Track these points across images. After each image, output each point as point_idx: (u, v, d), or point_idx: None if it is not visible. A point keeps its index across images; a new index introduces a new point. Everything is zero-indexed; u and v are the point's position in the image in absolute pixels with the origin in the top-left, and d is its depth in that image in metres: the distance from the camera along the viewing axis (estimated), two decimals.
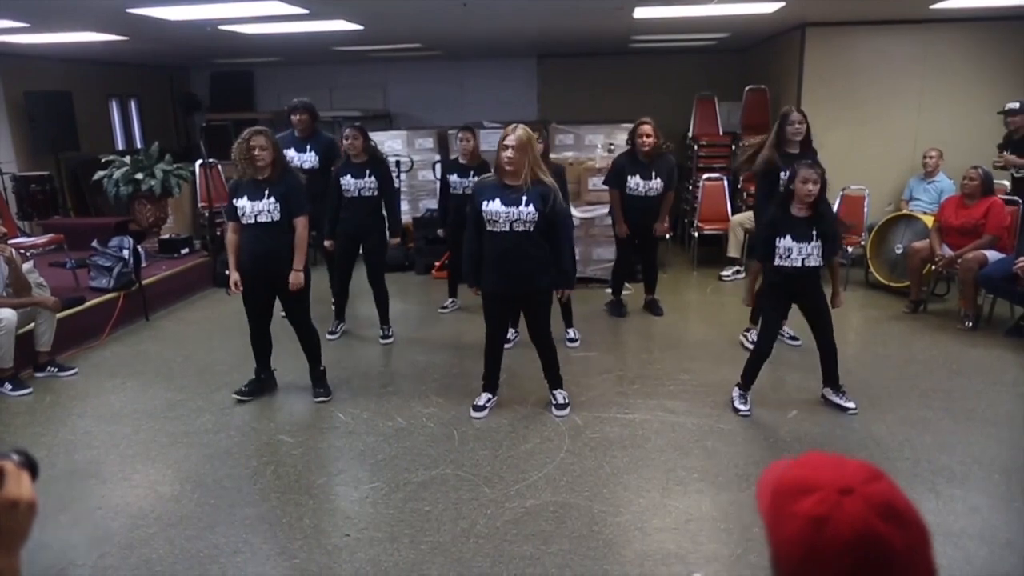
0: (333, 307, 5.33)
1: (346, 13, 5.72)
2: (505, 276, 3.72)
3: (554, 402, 3.98)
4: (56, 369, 4.65)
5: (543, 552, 2.77)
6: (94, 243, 5.79)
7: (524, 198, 3.57)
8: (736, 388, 3.99)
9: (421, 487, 3.25)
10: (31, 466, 0.84)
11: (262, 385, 4.27)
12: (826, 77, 7.07)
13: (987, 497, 3.11)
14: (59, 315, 4.68)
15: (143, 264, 5.88)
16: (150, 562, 2.76)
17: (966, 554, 2.72)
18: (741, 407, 3.91)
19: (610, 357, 4.84)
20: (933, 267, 5.44)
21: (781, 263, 3.75)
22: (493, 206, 3.60)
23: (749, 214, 6.91)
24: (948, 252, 5.28)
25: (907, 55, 6.93)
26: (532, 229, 3.61)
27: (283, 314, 4.24)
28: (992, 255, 5.11)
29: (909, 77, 6.93)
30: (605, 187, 6.48)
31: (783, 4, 5.62)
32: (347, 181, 4.90)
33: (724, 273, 6.78)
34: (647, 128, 5.21)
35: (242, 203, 3.92)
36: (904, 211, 6.29)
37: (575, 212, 5.08)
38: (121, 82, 9.92)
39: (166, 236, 7.07)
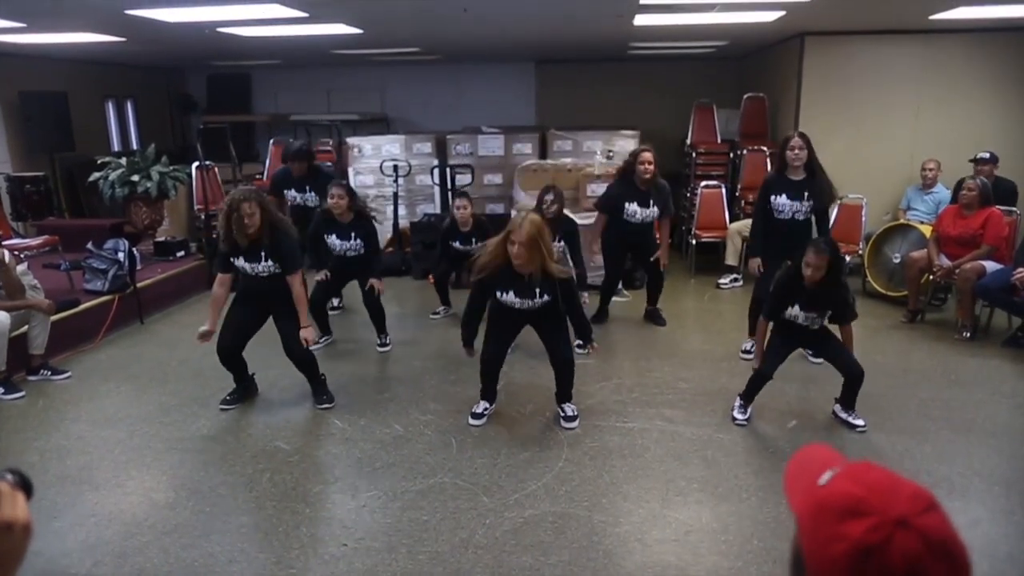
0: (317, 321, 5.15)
1: (346, 17, 5.70)
2: (514, 333, 3.97)
3: (563, 414, 3.93)
4: (49, 372, 4.60)
5: (542, 563, 2.74)
6: (89, 245, 5.75)
7: (537, 290, 3.61)
8: (738, 398, 3.98)
9: (419, 496, 3.22)
10: (25, 486, 0.82)
11: (245, 392, 4.25)
12: (825, 86, 7.09)
13: (987, 510, 3.10)
14: (53, 318, 4.65)
15: (138, 267, 5.84)
16: (144, 571, 2.72)
17: None
18: (738, 416, 3.90)
19: (608, 365, 4.82)
20: (931, 277, 5.44)
21: (789, 320, 3.81)
22: (508, 298, 3.65)
23: (747, 222, 6.92)
24: (946, 262, 5.28)
25: (905, 65, 6.96)
26: (547, 307, 3.70)
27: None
28: (990, 265, 5.12)
29: (907, 87, 6.95)
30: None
31: (783, 13, 5.63)
32: (333, 241, 4.92)
33: (722, 281, 6.77)
34: (649, 156, 5.18)
35: (240, 263, 3.95)
36: (902, 220, 6.30)
37: (573, 219, 5.12)
38: (117, 83, 9.88)
39: (162, 239, 7.03)
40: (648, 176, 5.17)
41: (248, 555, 2.82)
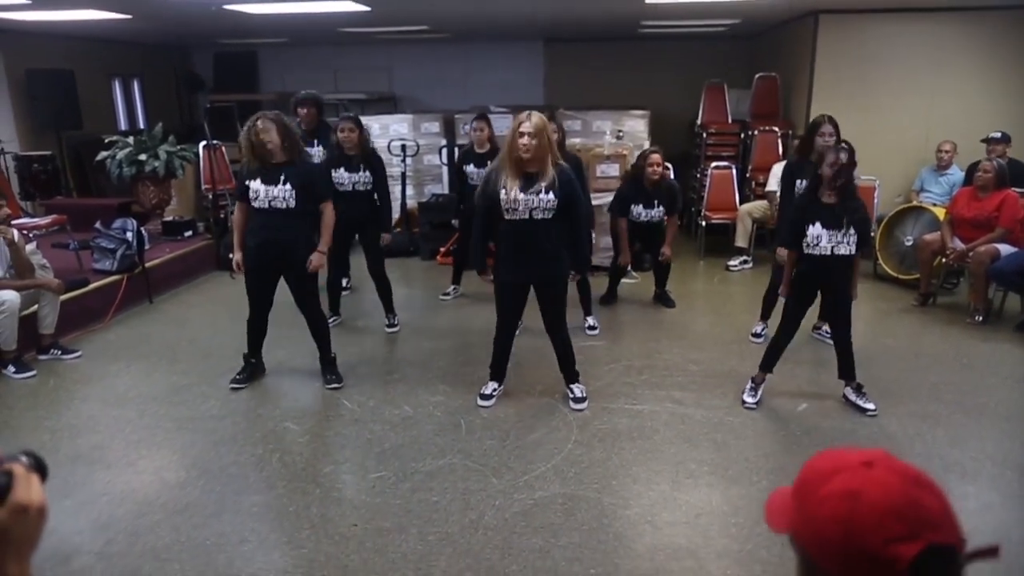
0: (328, 299, 5.07)
1: None
2: (523, 265, 3.66)
3: (571, 395, 3.90)
4: (59, 352, 4.61)
5: (553, 545, 2.75)
6: (97, 224, 5.75)
7: (543, 185, 3.51)
8: (750, 380, 3.96)
9: (428, 477, 3.23)
10: (40, 468, 0.81)
11: (254, 370, 4.23)
12: (838, 65, 6.98)
13: (1000, 494, 3.08)
14: (62, 297, 4.65)
15: (146, 246, 5.84)
16: (156, 550, 2.73)
17: None
18: (748, 399, 3.89)
19: (617, 346, 4.80)
20: (944, 260, 5.38)
21: (810, 251, 3.68)
22: (513, 194, 3.52)
23: (758, 203, 6.87)
24: (959, 245, 5.22)
25: (920, 44, 6.84)
26: (551, 216, 3.56)
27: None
28: (1004, 249, 5.06)
29: (922, 66, 6.84)
30: (614, 175, 6.42)
31: None
32: (341, 175, 4.76)
33: (731, 263, 6.73)
34: (656, 158, 5.23)
35: (256, 185, 3.80)
36: (914, 203, 6.23)
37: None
38: (124, 61, 9.82)
39: (169, 218, 7.02)
40: (655, 177, 5.24)
41: (259, 534, 2.83)
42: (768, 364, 3.93)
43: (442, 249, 6.98)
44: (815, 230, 3.63)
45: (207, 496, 3.09)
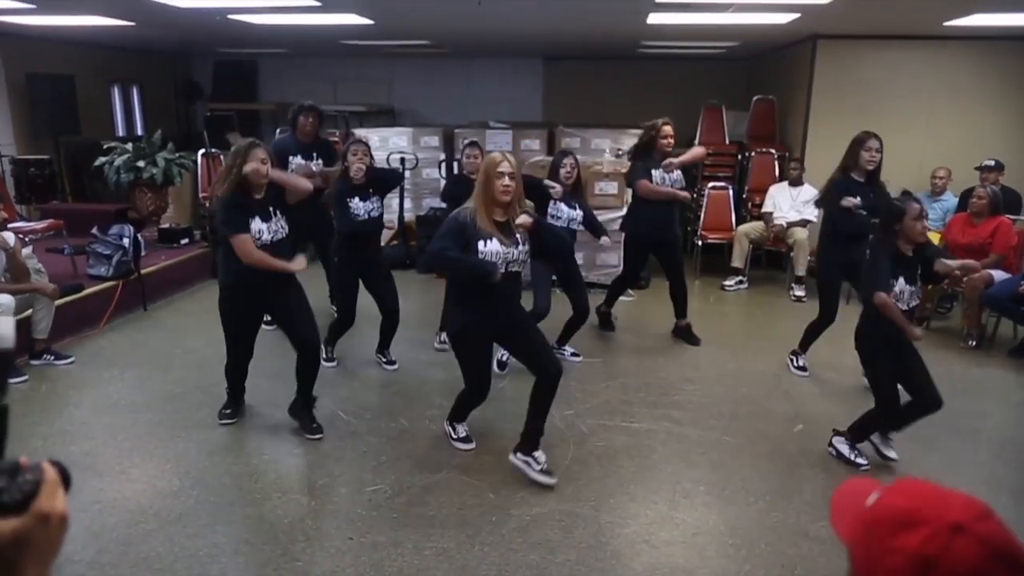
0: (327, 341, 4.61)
1: (358, 7, 5.67)
2: (492, 317, 3.23)
3: (534, 466, 3.28)
4: (53, 357, 4.57)
5: (550, 562, 2.73)
6: (94, 230, 5.72)
7: (518, 236, 3.18)
8: (847, 440, 3.54)
9: (424, 491, 3.21)
10: (65, 478, 0.80)
11: (242, 402, 3.93)
12: (835, 90, 7.06)
13: None
14: (57, 302, 4.62)
15: (142, 253, 5.81)
16: (149, 559, 2.70)
17: None
18: (862, 462, 3.48)
19: (613, 364, 4.80)
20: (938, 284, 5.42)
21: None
22: (492, 246, 3.08)
23: (755, 224, 6.92)
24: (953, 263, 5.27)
25: (917, 71, 6.94)
26: (522, 269, 3.27)
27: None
28: (998, 275, 5.11)
29: (918, 93, 6.93)
30: (613, 192, 6.43)
31: (798, 15, 5.60)
32: (356, 205, 4.29)
33: (727, 283, 6.76)
34: (669, 129, 4.92)
35: (257, 225, 3.42)
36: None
37: (577, 213, 4.63)
38: (123, 67, 9.83)
39: (166, 225, 7.00)
40: (668, 150, 4.93)
41: (253, 546, 2.80)
42: (864, 435, 3.52)
43: None
44: (898, 286, 3.27)
45: (201, 506, 3.06)
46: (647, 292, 6.47)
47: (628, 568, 2.72)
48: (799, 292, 6.44)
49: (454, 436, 3.61)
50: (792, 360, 4.70)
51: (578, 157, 4.85)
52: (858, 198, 4.22)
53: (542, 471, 3.24)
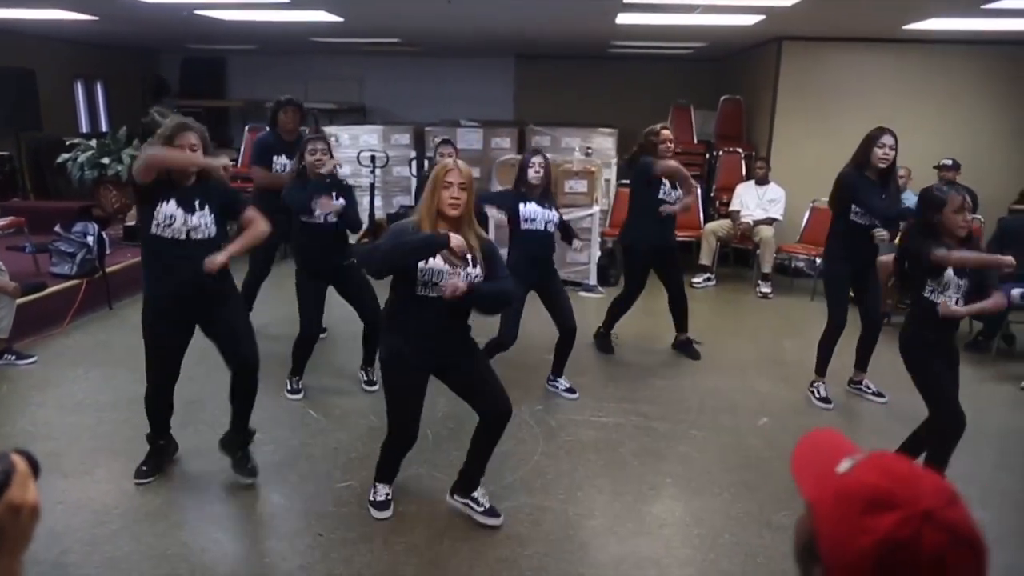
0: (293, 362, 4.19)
1: (327, 4, 5.64)
2: (430, 351, 2.79)
3: (476, 508, 2.97)
4: (14, 357, 4.49)
5: (519, 554, 2.76)
6: (57, 228, 5.62)
7: (468, 256, 2.72)
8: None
9: (395, 487, 3.21)
10: (33, 466, 0.81)
11: (165, 453, 3.35)
12: (800, 91, 7.21)
13: None
14: (18, 301, 4.53)
15: (107, 251, 5.72)
16: (115, 559, 2.67)
17: None
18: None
19: (582, 360, 4.84)
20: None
21: (935, 299, 3.09)
22: (434, 263, 2.66)
23: (722, 222, 7.03)
24: None
25: (880, 73, 7.11)
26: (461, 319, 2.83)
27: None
28: None
29: (881, 94, 7.09)
30: (582, 191, 6.46)
31: (763, 17, 5.71)
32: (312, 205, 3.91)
33: (695, 280, 6.85)
34: (669, 133, 4.66)
35: (169, 209, 2.89)
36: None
37: (553, 214, 4.29)
38: (88, 63, 9.65)
39: (132, 223, 6.88)
40: (669, 155, 4.67)
41: (221, 544, 2.79)
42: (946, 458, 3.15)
43: None
44: (946, 276, 3.05)
45: (168, 505, 3.04)
46: (614, 290, 6.53)
47: (595, 559, 2.76)
48: (765, 289, 6.57)
49: (371, 498, 3.01)
50: (813, 392, 4.26)
51: (548, 156, 4.57)
52: (885, 232, 4.01)
53: (484, 512, 2.94)
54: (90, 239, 5.53)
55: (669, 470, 3.44)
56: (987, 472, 3.46)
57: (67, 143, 6.81)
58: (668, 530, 2.97)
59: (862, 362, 4.33)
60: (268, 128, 4.95)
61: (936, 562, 0.75)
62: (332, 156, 4.04)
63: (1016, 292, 4.76)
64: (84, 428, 3.71)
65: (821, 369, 4.26)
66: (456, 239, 2.63)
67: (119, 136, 6.81)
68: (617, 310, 4.99)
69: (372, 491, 3.04)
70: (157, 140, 2.93)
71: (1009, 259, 3.04)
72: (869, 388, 4.34)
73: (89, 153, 6.59)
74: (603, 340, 5.04)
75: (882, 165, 3.95)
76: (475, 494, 2.97)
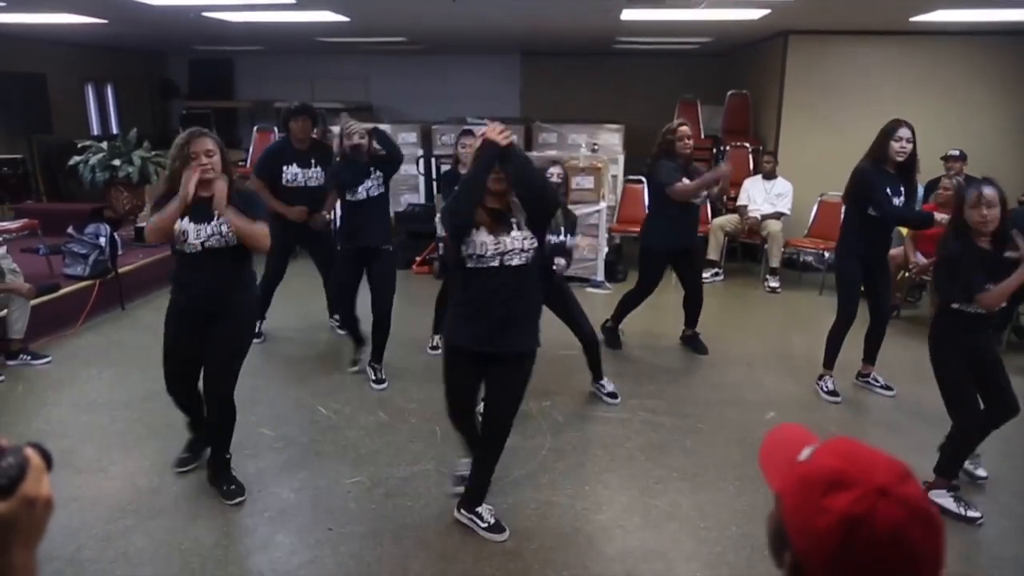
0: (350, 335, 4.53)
1: (333, 4, 5.68)
2: (484, 329, 2.74)
3: (480, 524, 2.89)
4: (29, 357, 4.56)
5: (525, 548, 2.79)
6: (70, 229, 5.69)
7: (514, 221, 2.73)
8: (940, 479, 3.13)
9: (404, 482, 3.26)
10: (46, 459, 0.83)
11: (203, 437, 3.37)
12: (806, 84, 7.19)
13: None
14: (33, 302, 4.60)
15: (120, 252, 5.79)
16: (128, 555, 2.73)
17: None
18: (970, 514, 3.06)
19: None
20: (907, 274, 5.56)
21: (964, 307, 3.02)
22: (479, 236, 2.67)
23: (730, 217, 7.02)
24: (922, 259, 5.40)
25: (886, 66, 7.07)
26: (527, 262, 2.73)
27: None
28: None
29: (888, 87, 7.06)
30: (589, 187, 6.47)
31: (768, 11, 5.69)
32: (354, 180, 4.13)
33: (703, 275, 6.83)
34: (687, 130, 4.60)
35: (183, 226, 2.92)
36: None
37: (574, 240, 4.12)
38: (97, 66, 9.74)
39: (143, 224, 6.95)
40: (688, 152, 4.61)
41: (234, 539, 2.84)
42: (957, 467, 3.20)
43: (418, 258, 7.03)
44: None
45: (181, 501, 3.09)
46: (620, 285, 6.54)
47: (601, 552, 2.79)
48: (773, 283, 6.56)
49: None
50: (821, 386, 4.25)
51: (555, 153, 4.46)
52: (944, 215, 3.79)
53: (489, 528, 2.87)
54: (102, 240, 5.60)
55: (675, 464, 3.45)
56: (993, 465, 3.46)
57: (78, 145, 6.87)
58: (674, 523, 2.99)
59: (870, 355, 4.33)
60: (281, 135, 4.97)
61: (893, 536, 0.78)
62: (370, 140, 4.14)
63: None
64: (97, 426, 3.77)
65: (829, 362, 4.25)
66: (494, 127, 2.64)
67: (129, 138, 6.87)
68: (627, 304, 4.97)
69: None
70: (173, 150, 2.94)
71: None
72: (877, 381, 4.34)
73: (100, 155, 6.65)
74: (611, 334, 5.01)
75: (900, 159, 3.89)
76: (479, 509, 2.91)
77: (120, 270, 5.72)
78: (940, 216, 3.91)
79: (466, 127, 5.55)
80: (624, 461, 3.49)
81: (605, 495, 3.19)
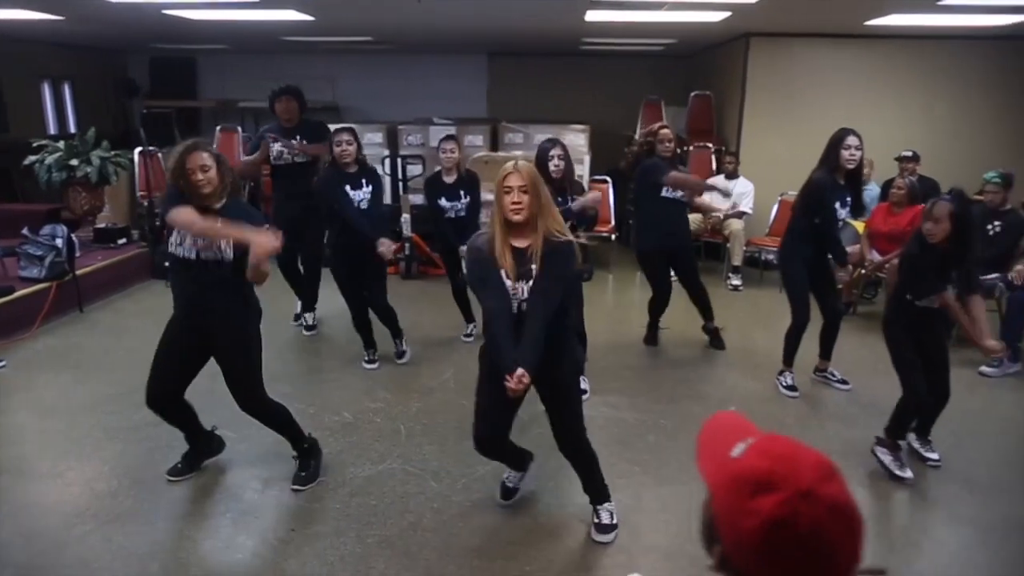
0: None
1: (297, 3, 5.63)
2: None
3: (596, 520, 2.90)
4: None
5: (490, 544, 2.82)
6: (25, 230, 5.57)
7: (532, 267, 2.58)
8: (885, 448, 3.40)
9: (368, 482, 3.26)
10: None
11: (202, 453, 3.35)
12: (768, 86, 7.32)
13: (907, 488, 3.30)
14: None
15: (77, 254, 5.68)
16: (86, 559, 2.68)
17: (890, 541, 2.90)
18: (903, 475, 3.34)
19: None
20: (863, 271, 5.70)
21: (915, 300, 3.30)
22: (508, 281, 2.60)
23: (693, 216, 7.09)
24: (877, 257, 5.54)
25: (844, 68, 7.25)
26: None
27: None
28: None
29: (846, 89, 7.23)
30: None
31: (729, 14, 5.80)
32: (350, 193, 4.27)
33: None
34: (669, 132, 4.62)
35: (178, 236, 2.94)
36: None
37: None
38: (54, 63, 9.51)
39: (102, 225, 6.83)
40: (669, 154, 4.62)
41: (195, 541, 2.81)
42: (900, 431, 3.44)
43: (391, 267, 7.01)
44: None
45: (140, 505, 3.05)
46: (587, 284, 6.60)
47: (565, 546, 2.82)
48: (736, 281, 6.68)
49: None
50: (780, 381, 4.34)
51: (522, 153, 4.47)
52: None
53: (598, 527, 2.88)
54: (59, 241, 5.49)
55: (638, 459, 3.51)
56: (944, 450, 3.57)
57: (34, 145, 6.72)
58: (636, 516, 3.03)
59: (826, 352, 4.44)
60: (274, 122, 5.09)
61: (813, 535, 0.82)
62: (359, 146, 4.36)
63: None
64: (55, 432, 3.70)
65: (788, 360, 4.35)
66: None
67: (88, 137, 6.73)
68: (655, 312, 5.06)
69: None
70: (171, 165, 2.90)
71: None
72: (834, 376, 4.45)
73: (57, 155, 6.51)
74: (651, 334, 5.12)
75: (850, 166, 4.00)
76: (599, 507, 2.91)
77: (78, 272, 5.61)
78: (852, 262, 4.18)
79: (448, 133, 5.56)
80: None
81: (569, 490, 3.22)
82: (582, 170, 7.33)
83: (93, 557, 2.70)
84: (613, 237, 7.29)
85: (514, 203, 2.53)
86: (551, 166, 4.01)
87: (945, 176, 6.61)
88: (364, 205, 4.32)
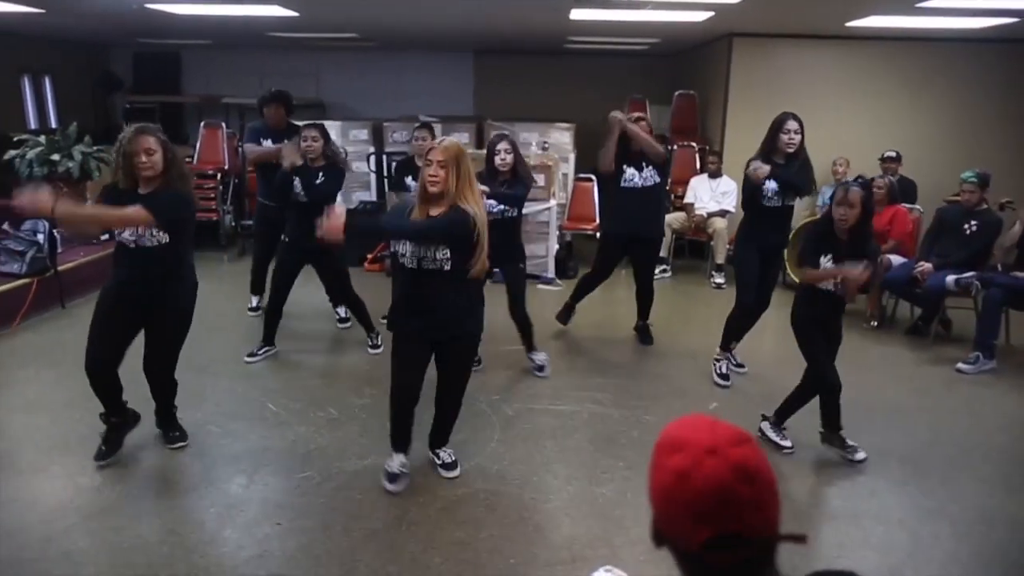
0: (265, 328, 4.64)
1: None
2: (419, 316, 3.02)
3: (439, 461, 3.31)
4: None
5: (474, 537, 2.84)
6: (5, 226, 5.52)
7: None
8: (769, 423, 3.70)
9: (353, 476, 3.27)
10: None
11: (121, 430, 3.38)
12: (751, 86, 7.40)
13: (885, 481, 3.37)
14: None
15: (59, 249, 5.63)
16: (70, 553, 2.68)
17: (864, 533, 2.96)
18: (785, 444, 3.63)
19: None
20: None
21: (818, 286, 3.44)
22: (401, 248, 2.95)
23: (677, 215, 7.18)
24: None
25: (826, 68, 7.34)
26: (447, 268, 2.90)
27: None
28: (896, 259, 5.49)
29: (827, 89, 7.32)
30: (540, 185, 6.56)
31: (712, 14, 5.86)
32: (295, 185, 4.34)
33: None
34: (639, 114, 4.74)
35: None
36: (818, 216, 6.66)
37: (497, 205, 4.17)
38: (35, 57, 9.41)
39: None
40: (637, 149, 4.63)
41: (180, 536, 2.82)
42: (797, 405, 3.65)
43: (369, 256, 7.01)
44: (824, 261, 3.39)
45: (124, 499, 3.05)
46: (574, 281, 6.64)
47: (548, 540, 2.85)
48: (719, 279, 6.75)
49: (385, 466, 3.18)
50: (715, 367, 4.46)
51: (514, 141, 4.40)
52: (766, 166, 4.06)
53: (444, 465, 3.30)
54: (40, 237, 5.44)
55: (622, 454, 3.55)
56: (920, 447, 3.65)
57: (14, 139, 6.64)
58: (620, 511, 3.07)
59: (737, 337, 4.52)
60: (260, 120, 5.20)
61: (717, 490, 0.90)
62: (328, 142, 4.43)
63: (950, 279, 4.98)
64: (37, 427, 3.68)
65: (725, 345, 4.46)
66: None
67: (69, 132, 6.67)
68: (582, 287, 5.16)
69: (388, 460, 3.19)
70: (116, 145, 3.08)
71: (841, 271, 3.31)
72: (734, 359, 4.57)
73: (38, 149, 6.43)
74: (566, 312, 5.20)
75: (789, 150, 4.07)
76: (440, 450, 3.30)
77: (60, 267, 5.56)
78: (760, 169, 4.11)
79: (423, 120, 5.61)
80: (572, 452, 3.57)
81: (554, 485, 3.26)
82: (567, 168, 7.38)
83: (78, 551, 2.70)
84: (597, 235, 7.33)
85: (431, 176, 2.83)
86: (497, 160, 4.22)
87: (924, 177, 6.74)
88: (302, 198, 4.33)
